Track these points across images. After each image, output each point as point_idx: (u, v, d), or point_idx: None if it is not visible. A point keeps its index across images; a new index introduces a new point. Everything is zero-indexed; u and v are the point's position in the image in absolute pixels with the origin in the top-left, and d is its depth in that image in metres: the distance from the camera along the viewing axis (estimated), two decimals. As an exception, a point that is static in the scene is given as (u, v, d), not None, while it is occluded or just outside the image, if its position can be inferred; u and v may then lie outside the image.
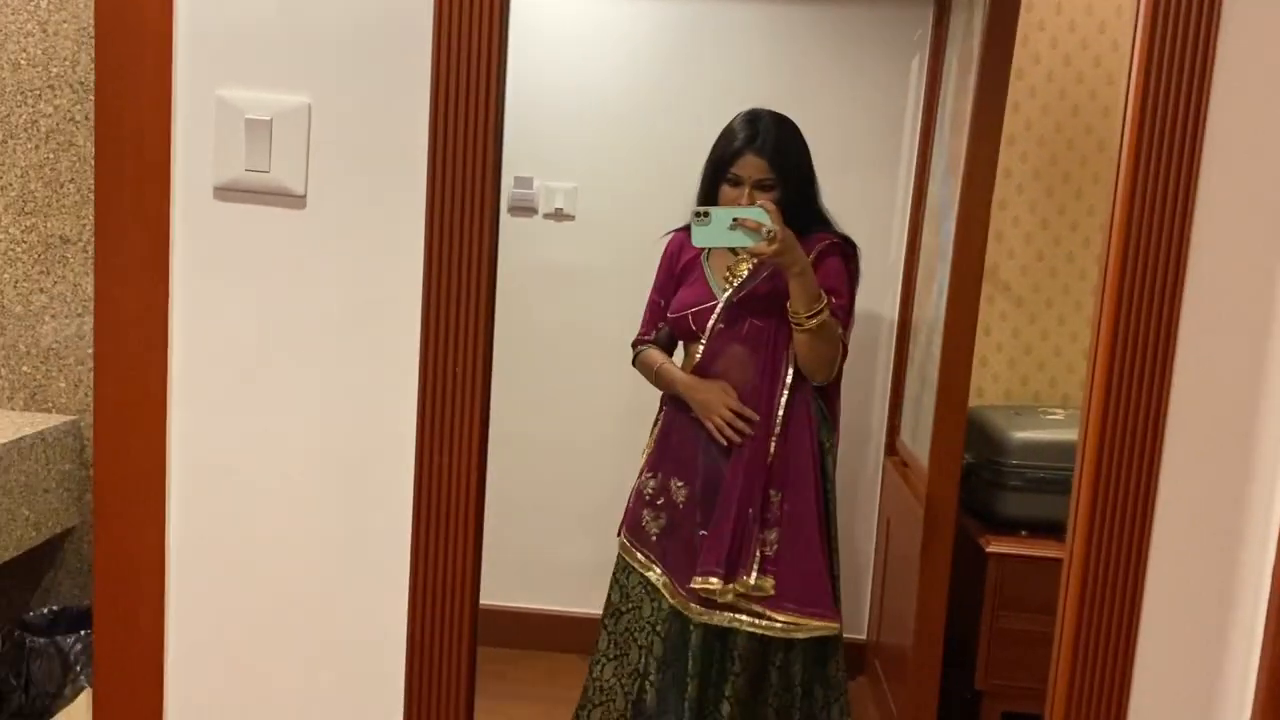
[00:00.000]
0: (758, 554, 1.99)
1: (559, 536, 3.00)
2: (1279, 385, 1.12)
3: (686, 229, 2.14)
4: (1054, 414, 2.60)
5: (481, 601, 1.26)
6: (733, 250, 2.05)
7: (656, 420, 2.22)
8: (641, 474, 2.18)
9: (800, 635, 2.02)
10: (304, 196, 1.20)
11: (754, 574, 1.98)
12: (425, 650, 1.19)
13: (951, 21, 2.68)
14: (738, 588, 1.98)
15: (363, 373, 1.21)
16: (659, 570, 2.10)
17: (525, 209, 3.02)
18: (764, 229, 1.83)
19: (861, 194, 2.84)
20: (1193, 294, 1.11)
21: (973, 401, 2.75)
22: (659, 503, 2.13)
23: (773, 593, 1.99)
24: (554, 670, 2.81)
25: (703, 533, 2.03)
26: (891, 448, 2.90)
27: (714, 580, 1.97)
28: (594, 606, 2.26)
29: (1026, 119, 2.81)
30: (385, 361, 1.20)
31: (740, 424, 2.01)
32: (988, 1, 2.25)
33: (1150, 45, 1.07)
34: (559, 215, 3.01)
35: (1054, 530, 2.41)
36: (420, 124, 1.16)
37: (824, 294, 1.95)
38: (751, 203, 1.94)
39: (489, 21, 1.11)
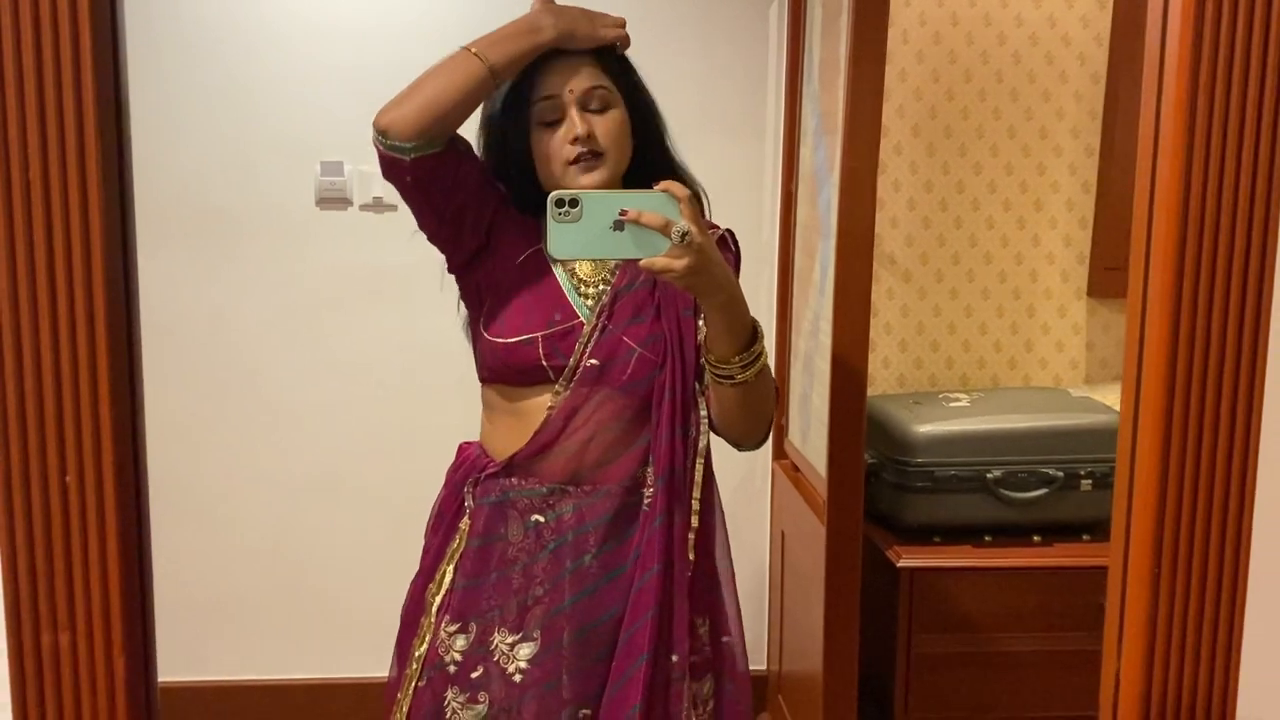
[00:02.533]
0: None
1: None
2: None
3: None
4: (957, 399, 2.31)
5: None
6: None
7: (458, 531, 1.35)
8: (434, 628, 1.32)
9: None
10: None
11: None
12: None
13: (813, -40, 2.35)
14: None
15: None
16: None
17: (337, 200, 2.55)
18: (674, 229, 1.03)
19: (724, 164, 2.49)
20: None
21: (866, 391, 2.45)
22: (474, 676, 1.29)
23: None
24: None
25: (585, 712, 1.29)
26: (780, 450, 2.57)
27: None
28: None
29: (900, 69, 2.51)
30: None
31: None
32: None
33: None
34: (379, 205, 2.56)
35: (970, 534, 2.12)
36: None
37: (758, 324, 1.22)
38: (588, 131, 1.23)
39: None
